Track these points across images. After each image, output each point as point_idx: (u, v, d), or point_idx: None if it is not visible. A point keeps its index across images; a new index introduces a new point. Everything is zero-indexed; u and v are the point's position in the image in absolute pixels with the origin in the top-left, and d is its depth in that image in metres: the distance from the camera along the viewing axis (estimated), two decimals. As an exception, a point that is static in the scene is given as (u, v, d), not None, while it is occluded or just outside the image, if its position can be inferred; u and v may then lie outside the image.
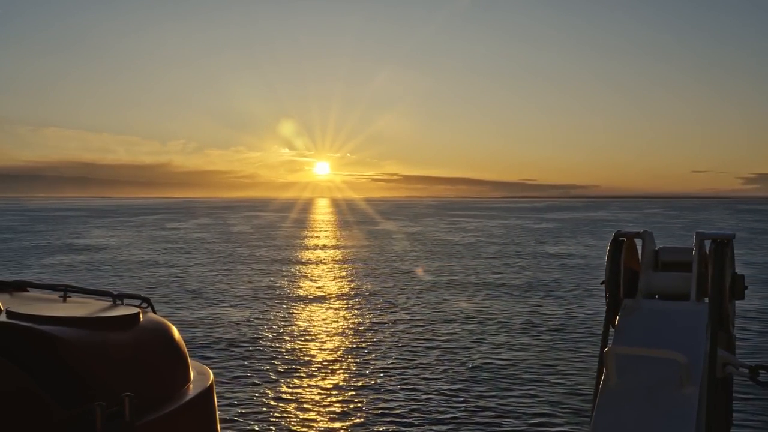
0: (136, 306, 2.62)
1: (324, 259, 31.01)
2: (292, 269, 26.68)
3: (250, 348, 12.54)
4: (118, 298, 2.67)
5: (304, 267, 27.69)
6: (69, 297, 2.80)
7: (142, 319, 2.43)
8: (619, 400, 2.46)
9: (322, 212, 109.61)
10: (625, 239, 2.91)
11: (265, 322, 15.26)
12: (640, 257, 2.97)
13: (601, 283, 2.92)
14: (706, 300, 2.71)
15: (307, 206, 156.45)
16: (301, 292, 20.25)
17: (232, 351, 12.29)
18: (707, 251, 2.77)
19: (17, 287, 2.90)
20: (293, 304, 18.06)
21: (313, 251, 35.62)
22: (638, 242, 2.99)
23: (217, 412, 2.60)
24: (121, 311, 2.45)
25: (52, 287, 2.87)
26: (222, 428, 2.68)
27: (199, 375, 2.57)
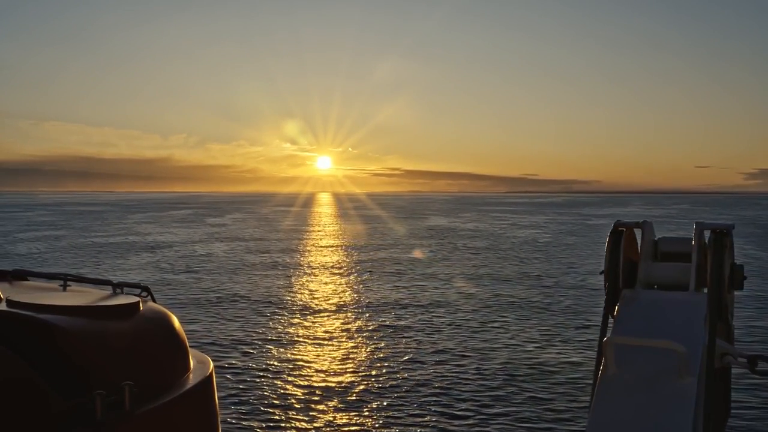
0: (136, 295, 2.67)
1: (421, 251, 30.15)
2: (400, 263, 25.64)
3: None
4: (117, 287, 2.72)
5: (412, 264, 26.17)
6: (69, 286, 2.85)
7: (141, 308, 2.46)
8: (618, 390, 2.45)
9: (346, 207, 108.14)
10: (624, 229, 2.91)
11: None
12: (639, 247, 2.96)
13: (600, 273, 2.91)
14: (705, 290, 2.70)
15: (327, 201, 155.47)
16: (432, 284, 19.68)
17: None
18: (706, 242, 2.76)
19: (17, 276, 2.95)
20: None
21: (398, 244, 34.58)
22: (638, 233, 2.98)
23: (217, 401, 2.64)
24: (121, 300, 2.48)
25: (52, 276, 2.92)
26: (222, 417, 2.72)
27: (199, 364, 2.61)
